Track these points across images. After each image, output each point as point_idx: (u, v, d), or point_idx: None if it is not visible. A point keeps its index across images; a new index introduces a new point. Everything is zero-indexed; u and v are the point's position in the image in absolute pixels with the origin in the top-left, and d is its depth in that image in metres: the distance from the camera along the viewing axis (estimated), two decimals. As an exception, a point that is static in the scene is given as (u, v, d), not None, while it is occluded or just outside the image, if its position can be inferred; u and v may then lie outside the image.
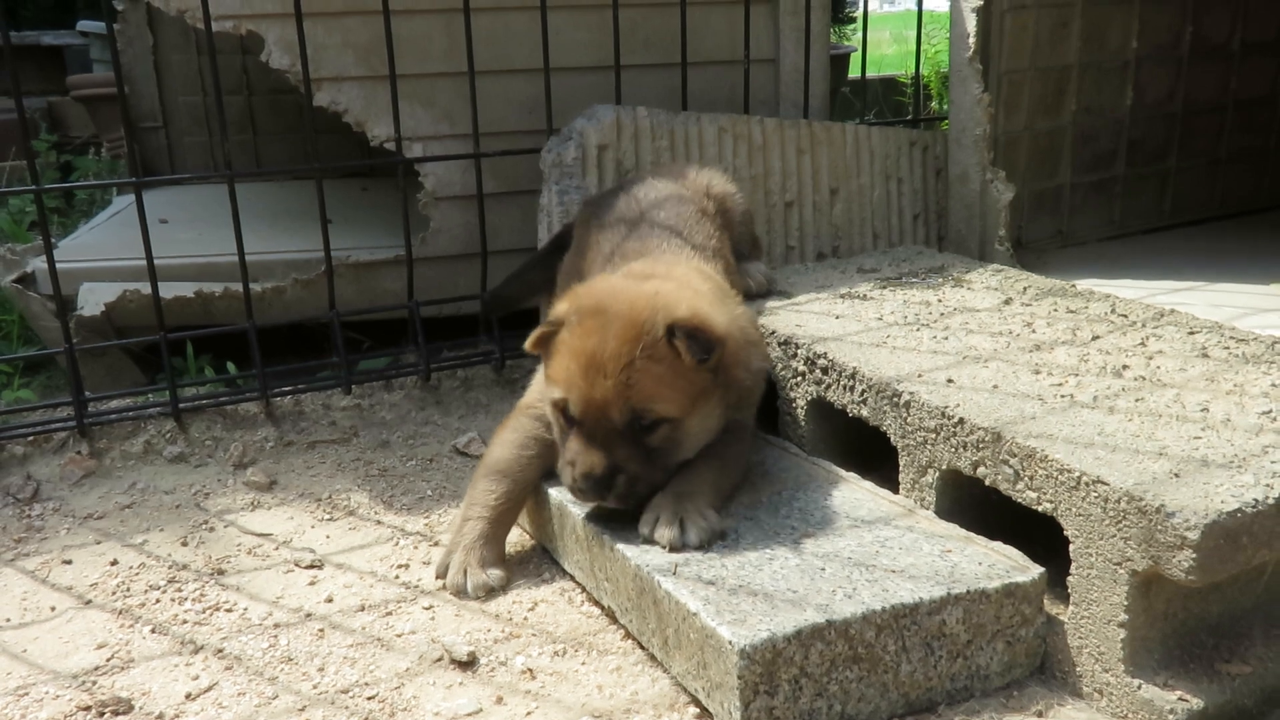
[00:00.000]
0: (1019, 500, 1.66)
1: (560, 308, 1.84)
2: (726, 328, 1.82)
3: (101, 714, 1.62)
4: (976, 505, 1.84)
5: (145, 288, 2.84)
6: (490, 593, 1.91)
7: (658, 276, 1.94)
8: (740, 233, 2.54)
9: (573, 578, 1.95)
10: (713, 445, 1.86)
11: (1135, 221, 3.47)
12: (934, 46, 8.07)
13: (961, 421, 1.75)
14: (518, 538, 2.11)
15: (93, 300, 2.88)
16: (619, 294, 1.81)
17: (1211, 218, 3.63)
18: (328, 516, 2.27)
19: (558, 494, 1.97)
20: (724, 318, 1.85)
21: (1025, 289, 2.44)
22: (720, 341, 1.76)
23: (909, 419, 1.87)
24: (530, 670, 1.70)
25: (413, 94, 2.88)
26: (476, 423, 2.72)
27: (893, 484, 1.94)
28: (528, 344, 1.83)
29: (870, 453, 2.07)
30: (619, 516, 1.82)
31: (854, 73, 7.40)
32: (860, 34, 4.06)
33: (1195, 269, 2.92)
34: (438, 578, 1.96)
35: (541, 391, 1.91)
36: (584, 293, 1.86)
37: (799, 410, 2.17)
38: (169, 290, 2.83)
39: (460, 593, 1.91)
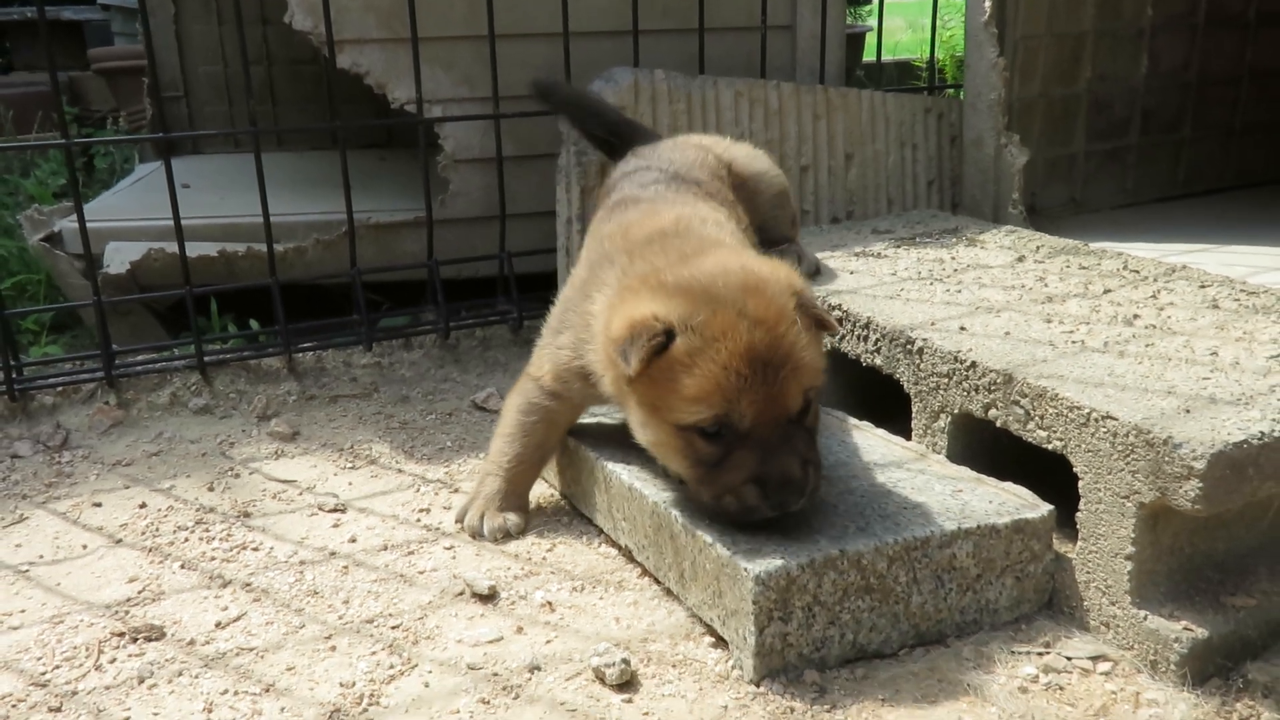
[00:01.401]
0: (1029, 440, 1.69)
1: (654, 310, 1.56)
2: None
3: (135, 639, 1.67)
4: (987, 450, 1.87)
5: (170, 246, 2.90)
6: (506, 536, 1.96)
7: (709, 244, 1.78)
8: (772, 214, 2.41)
9: (592, 522, 2.00)
10: None
11: (1149, 190, 3.49)
12: (948, 30, 8.06)
13: (974, 365, 1.78)
14: (545, 491, 2.15)
15: (118, 259, 2.94)
16: (717, 277, 1.59)
17: (1225, 188, 3.64)
18: (350, 465, 2.31)
19: (573, 440, 2.01)
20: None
21: (1038, 248, 2.47)
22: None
23: (922, 365, 1.90)
24: (549, 603, 1.74)
25: (433, 57, 2.92)
26: (494, 380, 2.76)
27: (905, 433, 1.97)
28: (634, 367, 1.53)
29: (883, 404, 2.10)
30: (635, 458, 1.86)
31: (869, 55, 7.40)
32: (876, 18, 4.07)
33: (1207, 233, 2.94)
34: (456, 522, 2.01)
35: (643, 419, 1.64)
36: (681, 287, 1.59)
37: (813, 362, 2.21)
38: (193, 250, 2.87)
39: (477, 534, 1.96)
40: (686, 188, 2.14)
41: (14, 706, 1.51)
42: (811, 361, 1.56)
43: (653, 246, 1.78)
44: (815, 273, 2.38)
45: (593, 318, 1.80)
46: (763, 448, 1.54)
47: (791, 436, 1.55)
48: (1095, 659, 1.56)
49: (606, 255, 1.87)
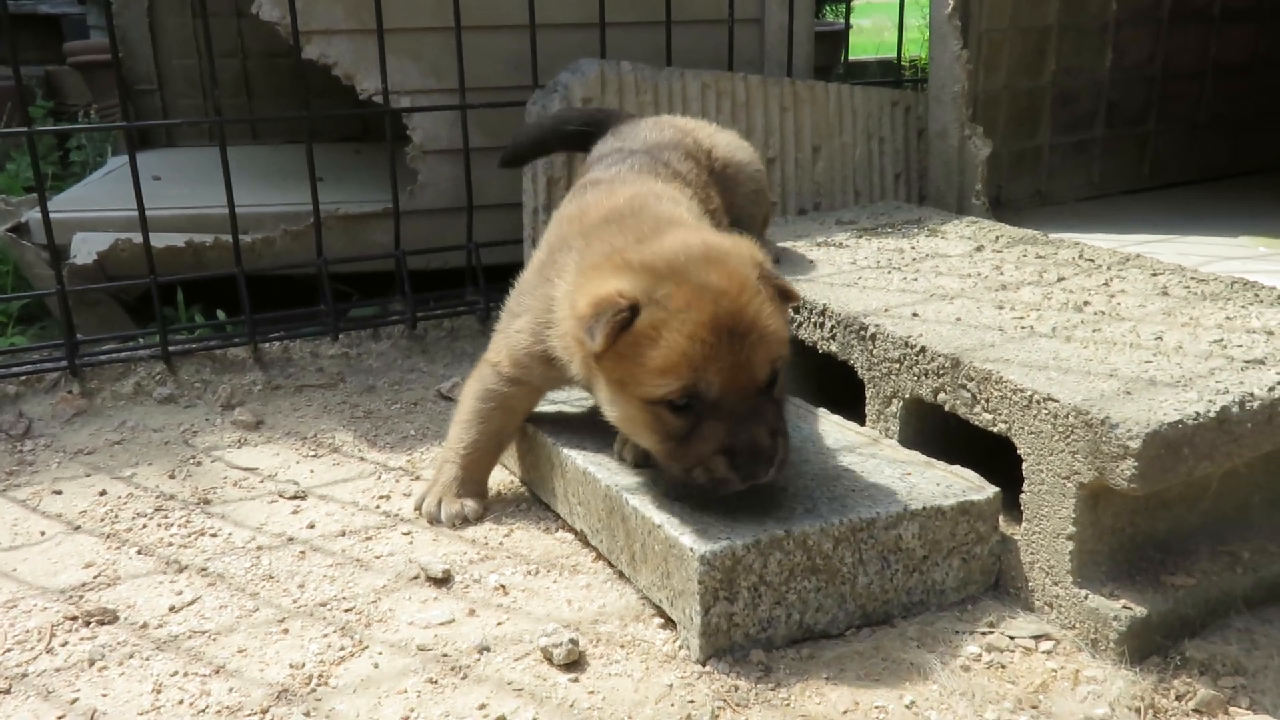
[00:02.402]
0: (976, 423, 1.71)
1: (618, 287, 1.56)
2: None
3: (88, 623, 1.68)
4: (939, 434, 1.90)
5: (137, 237, 2.89)
6: (464, 522, 1.96)
7: (666, 221, 1.77)
8: (746, 209, 2.38)
9: (550, 508, 2.01)
10: None
11: (1114, 183, 3.52)
12: (915, 27, 8.13)
13: (924, 350, 1.80)
14: (505, 478, 2.17)
15: (85, 249, 2.93)
16: (679, 252, 1.59)
17: (1189, 181, 3.68)
18: (312, 453, 2.32)
19: (532, 426, 2.02)
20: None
21: (997, 238, 2.49)
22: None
23: (875, 351, 1.92)
24: (503, 587, 1.76)
25: (401, 48, 2.92)
26: (461, 370, 2.77)
27: (860, 419, 1.99)
28: (599, 342, 1.53)
29: (838, 391, 2.12)
30: (590, 444, 1.88)
31: (855, 53, 7.43)
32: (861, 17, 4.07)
33: (1168, 225, 2.98)
34: (415, 509, 2.02)
35: (611, 396, 1.63)
36: (644, 264, 1.59)
37: (772, 350, 2.22)
38: (161, 240, 2.87)
39: (434, 521, 1.97)
40: (654, 168, 2.12)
41: (-36, 688, 1.52)
42: (777, 330, 1.56)
43: (610, 227, 1.78)
44: (775, 261, 2.37)
45: (555, 302, 1.80)
46: (731, 418, 1.53)
47: (760, 407, 1.55)
48: (1038, 638, 1.58)
49: (564, 239, 1.87)
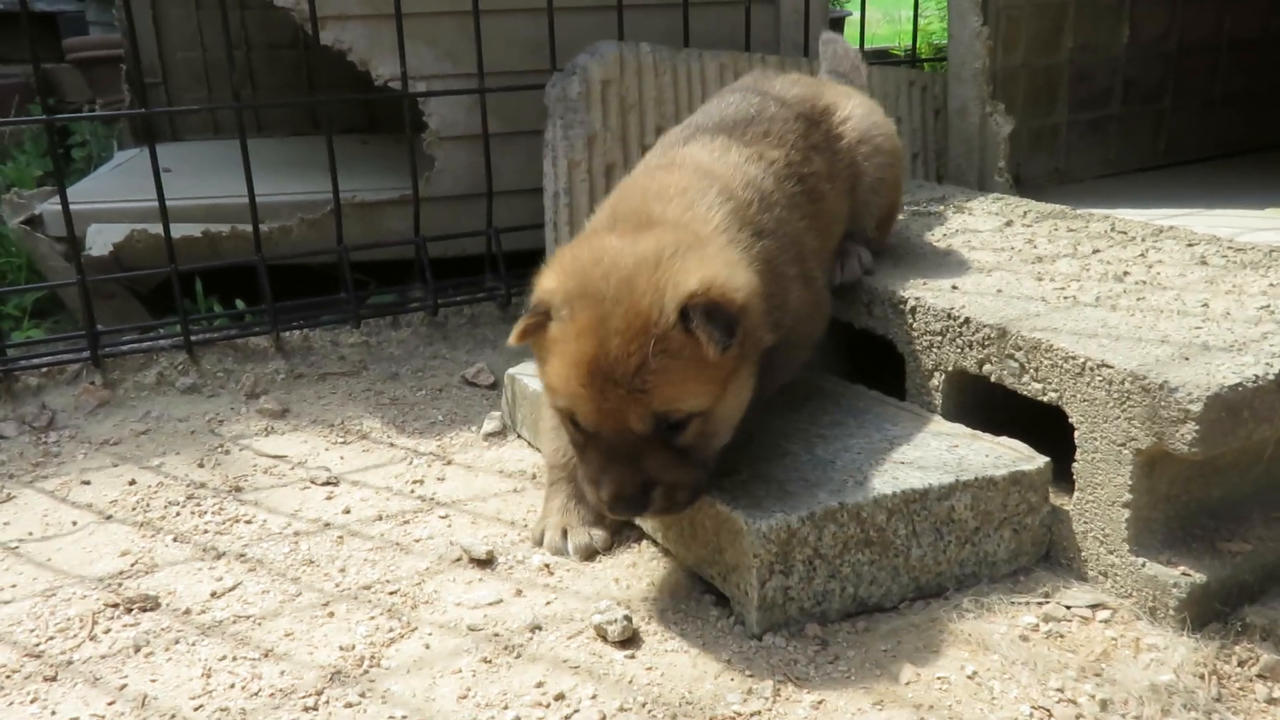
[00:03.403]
0: (1024, 393, 1.69)
1: (546, 286, 1.51)
2: (747, 288, 1.50)
3: (129, 609, 1.66)
4: (981, 407, 1.88)
5: (153, 228, 2.87)
6: (593, 554, 1.76)
7: (656, 220, 1.61)
8: (867, 203, 2.09)
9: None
10: None
11: (1131, 160, 3.51)
12: (924, 18, 8.09)
13: (967, 321, 1.79)
14: (539, 460, 2.14)
15: (101, 241, 2.90)
16: (613, 267, 1.47)
17: (1206, 158, 3.67)
18: (341, 440, 2.30)
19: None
20: (743, 273, 1.53)
21: (1025, 213, 2.48)
22: (743, 311, 1.46)
23: (915, 324, 1.90)
24: (548, 567, 1.74)
25: (416, 33, 2.89)
26: (484, 356, 2.75)
27: (898, 396, 1.97)
28: (512, 339, 1.51)
29: (874, 368, 2.10)
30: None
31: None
32: (857, 4, 4.02)
33: (1191, 200, 2.96)
34: (535, 544, 1.81)
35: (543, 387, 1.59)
36: (570, 265, 1.51)
37: (805, 327, 2.20)
38: (177, 231, 2.83)
39: (559, 553, 1.77)
40: (733, 144, 1.86)
41: (8, 677, 1.50)
42: (662, 388, 1.41)
43: (614, 214, 1.69)
44: (867, 271, 2.07)
45: None
46: (606, 454, 1.46)
47: (640, 452, 1.45)
48: (1094, 607, 1.57)
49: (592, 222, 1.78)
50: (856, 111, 2.10)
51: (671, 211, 1.63)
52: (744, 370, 1.51)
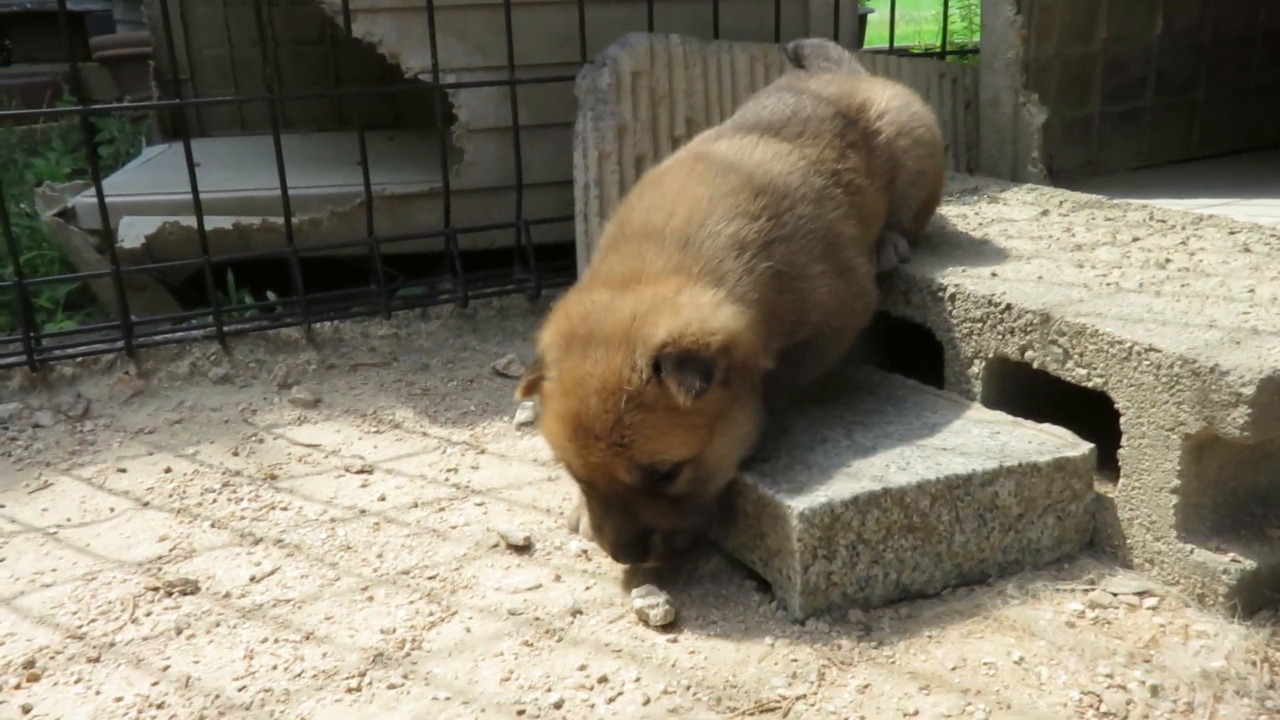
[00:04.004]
0: (1068, 379, 1.68)
1: (544, 341, 1.57)
2: (726, 328, 1.48)
3: (170, 593, 1.66)
4: (1022, 396, 1.86)
5: (184, 220, 2.88)
6: None
7: (655, 234, 1.62)
8: (905, 195, 2.06)
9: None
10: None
11: (1164, 153, 3.47)
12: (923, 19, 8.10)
13: (1009, 307, 1.77)
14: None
15: (133, 233, 2.92)
16: (597, 325, 1.51)
17: (1239, 150, 3.63)
18: (374, 430, 2.30)
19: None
20: (724, 312, 1.51)
21: (1061, 202, 2.46)
22: (722, 353, 1.46)
23: (954, 311, 1.89)
24: (585, 553, 1.73)
25: (446, 26, 2.89)
26: (514, 348, 2.75)
27: (934, 385, 1.95)
28: (517, 395, 1.61)
29: (909, 358, 2.09)
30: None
31: (869, 41, 7.40)
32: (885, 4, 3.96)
33: (1226, 190, 2.93)
34: (571, 530, 1.81)
35: None
36: (563, 323, 1.56)
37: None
38: (208, 223, 2.83)
39: (594, 539, 1.68)
40: (762, 141, 1.84)
41: (52, 658, 1.50)
42: (641, 442, 1.45)
43: (621, 249, 1.66)
44: (903, 260, 2.04)
45: None
46: (603, 504, 1.53)
47: (633, 503, 1.50)
48: (1141, 594, 1.55)
49: (603, 239, 1.75)
50: (894, 104, 2.07)
51: (672, 226, 1.63)
52: (735, 408, 1.53)
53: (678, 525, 1.53)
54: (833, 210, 1.80)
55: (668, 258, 1.59)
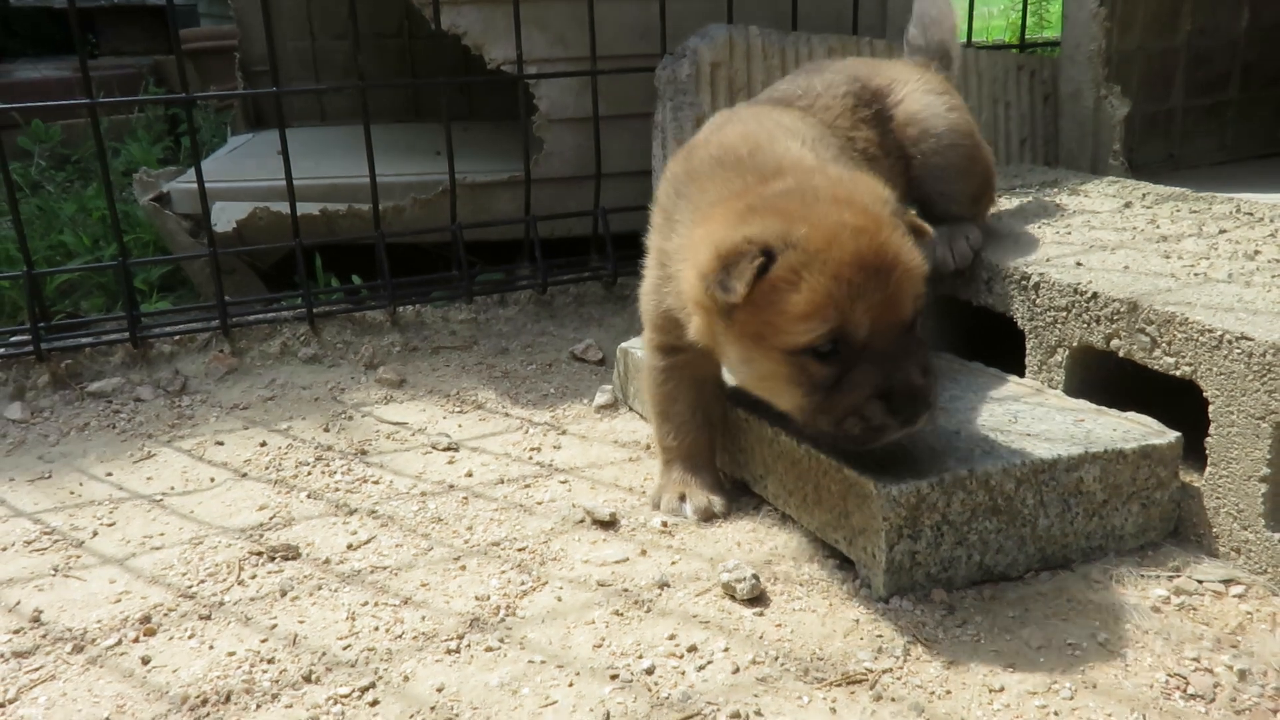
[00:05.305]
0: (1155, 367, 1.68)
1: (746, 234, 1.47)
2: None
3: (273, 558, 1.73)
4: (1105, 385, 1.86)
5: (274, 205, 2.98)
6: (711, 517, 1.79)
7: (783, 160, 1.65)
8: (941, 173, 2.07)
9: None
10: None
11: (1248, 147, 3.41)
12: (1014, 10, 7.99)
13: (1095, 296, 1.77)
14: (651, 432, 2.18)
15: (224, 218, 3.02)
16: (808, 190, 1.51)
17: (1327, 146, 3.55)
18: (457, 410, 2.36)
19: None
20: None
21: (1144, 195, 2.44)
22: None
23: (1038, 300, 1.89)
24: (669, 530, 1.77)
25: (527, 18, 2.95)
26: (590, 334, 2.80)
27: (1014, 373, 1.96)
28: (740, 294, 1.43)
29: (988, 348, 2.09)
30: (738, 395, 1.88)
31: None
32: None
33: (1315, 186, 2.87)
34: (653, 507, 1.85)
35: (744, 354, 1.54)
36: (770, 206, 1.50)
37: (919, 305, 2.20)
38: (297, 209, 2.94)
39: (675, 515, 1.81)
40: (777, 109, 1.93)
41: (166, 615, 1.58)
42: (919, 266, 1.48)
43: (723, 169, 1.66)
44: (977, 253, 2.06)
45: (668, 256, 1.71)
46: (883, 360, 1.44)
47: (909, 346, 1.47)
48: (1227, 582, 1.55)
49: (675, 186, 1.75)
50: (912, 94, 2.09)
51: (782, 149, 1.70)
52: None
53: (934, 368, 1.52)
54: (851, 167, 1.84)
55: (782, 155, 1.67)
